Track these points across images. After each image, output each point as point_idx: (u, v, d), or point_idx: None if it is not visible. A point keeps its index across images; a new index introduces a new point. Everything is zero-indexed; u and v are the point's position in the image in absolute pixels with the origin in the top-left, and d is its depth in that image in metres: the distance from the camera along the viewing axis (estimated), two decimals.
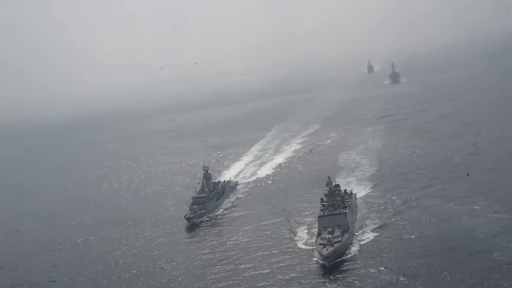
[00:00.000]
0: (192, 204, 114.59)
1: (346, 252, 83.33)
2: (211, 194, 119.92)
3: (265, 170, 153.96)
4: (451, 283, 69.77)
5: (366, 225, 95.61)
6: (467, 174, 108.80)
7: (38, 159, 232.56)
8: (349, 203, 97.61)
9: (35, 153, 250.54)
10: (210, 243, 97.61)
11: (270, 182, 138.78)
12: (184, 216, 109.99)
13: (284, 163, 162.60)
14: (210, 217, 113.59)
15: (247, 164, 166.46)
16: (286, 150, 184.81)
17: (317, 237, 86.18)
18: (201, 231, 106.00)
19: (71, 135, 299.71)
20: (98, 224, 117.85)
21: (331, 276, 76.70)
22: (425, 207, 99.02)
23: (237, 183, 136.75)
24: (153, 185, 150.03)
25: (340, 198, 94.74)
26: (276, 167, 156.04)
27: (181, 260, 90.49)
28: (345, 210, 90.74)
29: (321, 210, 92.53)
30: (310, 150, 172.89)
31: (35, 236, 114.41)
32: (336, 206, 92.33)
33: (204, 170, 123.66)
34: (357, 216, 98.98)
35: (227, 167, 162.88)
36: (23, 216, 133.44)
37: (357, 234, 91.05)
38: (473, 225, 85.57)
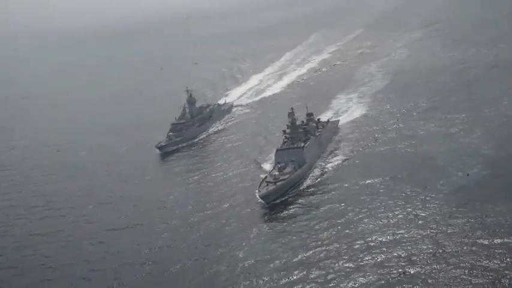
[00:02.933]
0: (169, 131, 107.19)
1: (294, 189, 75.66)
2: (193, 120, 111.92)
3: (275, 88, 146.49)
4: None
5: (336, 155, 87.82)
6: None
7: None
8: (319, 134, 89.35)
9: None
10: (172, 179, 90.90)
11: (271, 103, 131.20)
12: (156, 145, 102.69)
13: (301, 78, 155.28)
14: (185, 146, 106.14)
15: (260, 80, 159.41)
16: (312, 61, 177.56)
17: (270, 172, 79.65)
18: (169, 163, 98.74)
19: None
20: None
21: (266, 217, 69.02)
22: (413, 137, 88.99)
23: (232, 106, 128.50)
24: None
25: (302, 130, 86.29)
26: (288, 84, 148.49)
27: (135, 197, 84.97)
28: (303, 144, 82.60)
29: (283, 143, 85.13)
30: (334, 64, 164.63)
31: None
32: (297, 139, 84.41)
33: (187, 94, 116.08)
34: (330, 147, 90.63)
35: (240, 83, 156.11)
36: None
37: (320, 167, 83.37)
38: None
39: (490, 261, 51.42)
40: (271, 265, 57.13)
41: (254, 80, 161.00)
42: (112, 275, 59.90)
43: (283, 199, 72.80)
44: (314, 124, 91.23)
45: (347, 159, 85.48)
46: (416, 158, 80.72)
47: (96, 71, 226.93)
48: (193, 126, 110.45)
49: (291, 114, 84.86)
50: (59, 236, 72.31)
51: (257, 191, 72.02)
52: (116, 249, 66.03)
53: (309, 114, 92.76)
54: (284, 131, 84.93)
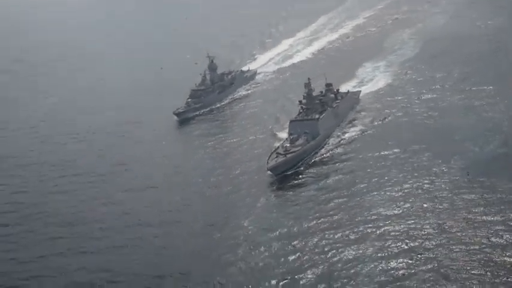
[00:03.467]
0: (188, 97, 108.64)
1: (305, 161, 76.40)
2: (213, 87, 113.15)
3: (303, 54, 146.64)
4: None
5: (354, 127, 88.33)
6: None
7: None
8: (336, 105, 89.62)
9: None
10: (187, 145, 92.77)
11: (295, 70, 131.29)
12: (174, 111, 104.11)
13: (331, 45, 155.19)
14: (204, 112, 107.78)
15: (290, 45, 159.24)
16: (346, 26, 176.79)
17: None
18: (185, 130, 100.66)
19: None
20: None
21: (274, 186, 70.50)
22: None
23: (255, 73, 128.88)
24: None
25: (318, 101, 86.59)
26: (317, 50, 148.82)
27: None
28: (318, 116, 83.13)
29: (298, 114, 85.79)
30: (366, 30, 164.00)
31: None
32: (312, 110, 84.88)
33: (209, 60, 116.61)
34: (348, 119, 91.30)
35: (268, 49, 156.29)
36: None
37: (335, 139, 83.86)
38: None
39: (490, 239, 52.09)
40: (273, 234, 58.77)
41: (284, 45, 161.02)
42: (120, 235, 62.82)
43: (292, 171, 73.87)
44: (332, 95, 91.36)
45: (364, 130, 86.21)
46: (434, 130, 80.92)
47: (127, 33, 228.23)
48: (213, 93, 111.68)
49: (308, 85, 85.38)
50: (73, 195, 75.21)
51: (267, 162, 72.60)
52: (126, 211, 68.78)
53: (328, 85, 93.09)
54: (300, 102, 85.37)
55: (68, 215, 69.17)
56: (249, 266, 53.40)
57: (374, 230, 56.99)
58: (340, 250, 54.14)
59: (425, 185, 64.67)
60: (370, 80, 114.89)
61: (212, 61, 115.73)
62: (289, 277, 50.82)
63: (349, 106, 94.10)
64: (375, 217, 59.30)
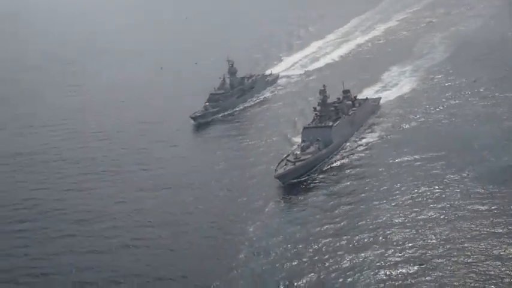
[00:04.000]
0: (206, 101, 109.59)
1: (316, 169, 76.73)
2: (232, 91, 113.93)
3: (331, 57, 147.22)
4: None
5: (370, 135, 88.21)
6: None
7: None
8: (352, 112, 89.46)
9: None
10: (202, 148, 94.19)
11: (319, 75, 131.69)
12: (190, 115, 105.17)
13: (360, 47, 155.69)
14: (222, 116, 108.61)
15: (319, 48, 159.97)
16: (378, 28, 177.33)
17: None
18: (201, 133, 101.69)
19: None
20: None
21: (282, 192, 71.13)
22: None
23: (277, 77, 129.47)
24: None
25: (333, 108, 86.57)
26: (346, 53, 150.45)
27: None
28: (331, 123, 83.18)
29: (312, 121, 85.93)
30: (397, 35, 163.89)
31: None
32: (326, 118, 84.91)
33: (228, 64, 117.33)
34: (365, 126, 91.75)
35: (295, 51, 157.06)
36: None
37: (349, 147, 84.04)
38: None
39: (492, 251, 51.99)
40: (277, 239, 59.54)
41: (312, 48, 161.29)
42: (129, 234, 64.92)
43: (301, 179, 74.34)
44: (349, 102, 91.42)
45: (380, 138, 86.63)
46: (454, 138, 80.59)
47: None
48: (231, 97, 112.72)
49: (323, 92, 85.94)
50: (90, 193, 77.69)
51: (275, 169, 73.04)
52: (139, 210, 70.93)
53: (345, 91, 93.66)
54: (314, 108, 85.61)
55: (84, 212, 71.53)
56: (250, 270, 54.45)
57: (377, 238, 57.40)
58: (340, 257, 54.60)
59: (436, 194, 64.77)
60: (395, 85, 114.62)
61: (232, 65, 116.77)
62: (287, 282, 51.60)
63: (367, 113, 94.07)
64: (379, 225, 59.62)
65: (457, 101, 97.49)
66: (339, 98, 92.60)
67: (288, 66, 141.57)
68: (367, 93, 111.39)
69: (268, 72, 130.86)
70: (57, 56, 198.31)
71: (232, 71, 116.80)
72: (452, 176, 68.10)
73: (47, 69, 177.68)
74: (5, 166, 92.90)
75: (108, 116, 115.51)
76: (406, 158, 75.77)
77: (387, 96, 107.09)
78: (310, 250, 56.52)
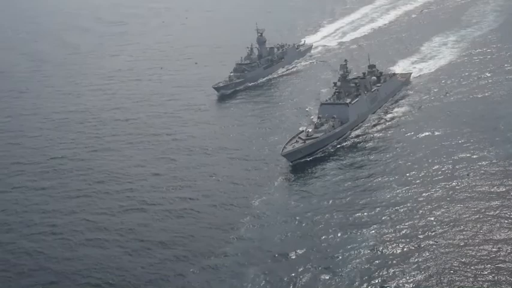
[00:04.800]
0: (231, 72, 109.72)
1: (329, 147, 76.18)
2: (259, 61, 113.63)
3: (373, 26, 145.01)
4: None
5: (394, 111, 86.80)
6: None
7: None
8: (375, 89, 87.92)
9: None
10: (221, 120, 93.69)
11: (356, 45, 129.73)
12: (213, 85, 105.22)
13: (407, 15, 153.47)
14: (244, 88, 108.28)
15: (364, 14, 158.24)
16: None
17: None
18: (223, 105, 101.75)
19: None
20: None
21: (290, 170, 70.86)
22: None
23: (310, 48, 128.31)
24: None
25: (353, 84, 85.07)
26: (391, 21, 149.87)
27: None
28: (349, 100, 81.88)
29: (332, 96, 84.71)
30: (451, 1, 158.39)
31: None
32: (346, 94, 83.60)
33: (257, 33, 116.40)
34: (390, 103, 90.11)
35: (336, 19, 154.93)
36: None
37: (369, 124, 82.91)
38: None
39: (494, 233, 51.60)
40: (278, 217, 59.74)
41: (357, 14, 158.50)
42: (141, 198, 67.41)
43: (311, 158, 74.01)
44: (374, 77, 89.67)
45: (403, 115, 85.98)
46: (480, 117, 78.95)
47: None
48: (257, 68, 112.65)
49: (343, 67, 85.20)
50: (115, 155, 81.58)
51: (284, 147, 72.68)
52: (157, 172, 74.10)
53: (371, 66, 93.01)
54: (334, 84, 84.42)
55: (104, 174, 75.01)
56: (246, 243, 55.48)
57: (378, 215, 57.22)
58: (338, 233, 54.81)
59: (448, 174, 63.84)
60: (433, 57, 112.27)
61: (261, 34, 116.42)
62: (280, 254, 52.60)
63: (393, 89, 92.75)
64: (384, 202, 59.45)
65: (494, 78, 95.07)
66: (364, 73, 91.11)
67: (325, 35, 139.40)
68: (403, 64, 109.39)
69: (302, 42, 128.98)
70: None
71: (261, 41, 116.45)
72: (472, 155, 67.32)
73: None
74: (42, 123, 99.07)
75: (146, 81, 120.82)
76: (423, 135, 75.38)
77: (422, 68, 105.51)
78: (308, 224, 57.26)
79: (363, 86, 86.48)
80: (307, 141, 74.19)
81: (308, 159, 73.58)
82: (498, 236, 50.92)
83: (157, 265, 53.08)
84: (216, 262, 52.22)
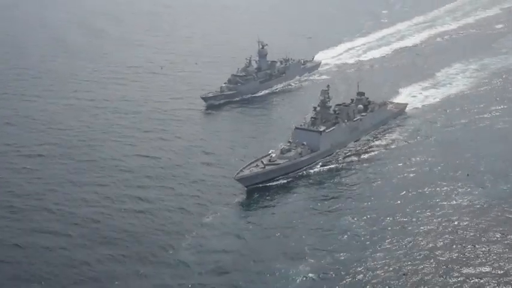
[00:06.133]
0: (225, 82, 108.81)
1: (290, 176, 74.33)
2: (255, 75, 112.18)
3: (399, 45, 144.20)
4: None
5: (375, 144, 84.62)
6: None
7: None
8: (358, 118, 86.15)
9: None
10: (202, 132, 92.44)
11: (372, 65, 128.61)
12: (201, 95, 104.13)
13: (440, 37, 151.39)
14: (235, 101, 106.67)
15: (397, 30, 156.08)
16: (473, 16, 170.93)
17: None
18: (209, 116, 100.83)
19: None
20: None
21: (245, 195, 69.87)
22: None
23: (318, 65, 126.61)
24: None
25: (333, 112, 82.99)
26: (421, 41, 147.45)
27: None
28: (323, 128, 80.00)
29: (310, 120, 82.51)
30: (487, 26, 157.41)
31: None
32: (323, 121, 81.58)
33: (259, 45, 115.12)
34: (374, 134, 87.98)
35: (364, 35, 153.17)
36: None
37: (342, 155, 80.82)
38: None
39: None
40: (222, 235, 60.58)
41: (386, 31, 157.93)
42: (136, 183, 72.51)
43: (268, 184, 72.70)
44: (361, 106, 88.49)
45: (382, 149, 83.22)
46: (470, 159, 76.94)
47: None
48: (253, 81, 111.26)
49: (324, 92, 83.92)
50: (119, 145, 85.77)
51: (240, 170, 71.45)
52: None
53: (360, 94, 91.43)
54: (314, 108, 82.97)
55: (108, 160, 79.78)
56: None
57: (318, 252, 56.63)
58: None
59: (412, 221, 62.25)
60: (444, 85, 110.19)
61: (263, 47, 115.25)
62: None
63: (381, 119, 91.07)
64: (328, 240, 58.92)
65: (505, 118, 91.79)
66: (352, 100, 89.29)
67: (340, 52, 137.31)
68: (411, 90, 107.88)
69: (311, 58, 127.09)
70: None
71: (262, 54, 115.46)
72: (434, 202, 65.76)
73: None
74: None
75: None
76: (395, 179, 72.97)
77: (428, 96, 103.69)
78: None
79: (345, 113, 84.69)
80: (267, 167, 72.80)
81: (267, 184, 72.54)
82: None
83: (93, 263, 55.02)
84: (152, 269, 53.92)
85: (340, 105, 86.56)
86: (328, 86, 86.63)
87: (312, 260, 54.75)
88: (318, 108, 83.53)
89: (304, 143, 77.88)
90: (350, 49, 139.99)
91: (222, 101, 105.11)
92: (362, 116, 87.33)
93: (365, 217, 62.70)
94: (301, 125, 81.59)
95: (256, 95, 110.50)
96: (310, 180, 74.19)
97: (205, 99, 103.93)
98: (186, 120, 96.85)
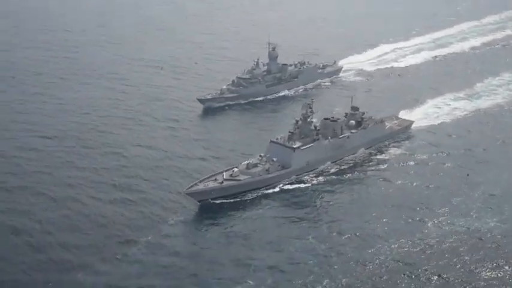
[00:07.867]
0: (227, 84, 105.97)
1: (253, 193, 71.33)
2: (264, 78, 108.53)
3: (429, 54, 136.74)
4: None
5: (360, 165, 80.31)
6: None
7: None
8: (344, 136, 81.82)
9: None
10: (195, 136, 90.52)
11: (392, 74, 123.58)
12: (198, 97, 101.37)
13: (470, 50, 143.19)
14: (235, 104, 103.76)
15: (433, 39, 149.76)
16: (503, 32, 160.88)
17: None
18: (206, 119, 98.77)
19: None
20: None
21: (187, 216, 67.12)
22: None
23: (339, 70, 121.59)
24: None
25: (313, 128, 78.94)
26: (449, 53, 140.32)
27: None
28: (298, 145, 76.25)
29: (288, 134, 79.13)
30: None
31: None
32: (302, 136, 78.06)
33: (269, 47, 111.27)
34: (363, 153, 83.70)
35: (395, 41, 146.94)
36: None
37: (315, 175, 76.87)
38: None
39: None
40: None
41: (424, 38, 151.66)
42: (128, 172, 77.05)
43: (225, 201, 70.02)
44: (353, 122, 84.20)
45: (362, 172, 78.62)
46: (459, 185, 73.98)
47: None
48: (258, 85, 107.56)
49: (305, 106, 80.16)
50: (118, 135, 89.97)
51: (194, 183, 69.40)
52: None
53: (354, 108, 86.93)
54: (296, 121, 79.62)
55: (106, 147, 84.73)
56: None
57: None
58: None
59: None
60: (480, 97, 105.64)
61: (273, 49, 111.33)
62: None
63: (375, 137, 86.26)
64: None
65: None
66: (346, 114, 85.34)
67: (369, 58, 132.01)
68: (441, 100, 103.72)
69: (332, 62, 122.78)
70: None
71: (272, 56, 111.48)
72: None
73: None
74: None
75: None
76: (375, 196, 71.31)
77: (458, 108, 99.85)
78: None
79: (330, 129, 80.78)
80: (225, 183, 70.04)
81: (218, 201, 69.74)
82: None
83: (48, 251, 58.00)
84: (96, 273, 55.10)
85: (327, 119, 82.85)
86: (312, 99, 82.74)
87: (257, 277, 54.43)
88: (300, 122, 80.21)
89: (274, 159, 74.82)
90: (385, 53, 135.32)
91: (221, 104, 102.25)
92: (352, 133, 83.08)
93: (321, 238, 60.88)
94: (277, 139, 78.32)
95: (259, 99, 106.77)
96: (275, 199, 70.84)
97: (202, 101, 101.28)
98: (178, 123, 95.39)
